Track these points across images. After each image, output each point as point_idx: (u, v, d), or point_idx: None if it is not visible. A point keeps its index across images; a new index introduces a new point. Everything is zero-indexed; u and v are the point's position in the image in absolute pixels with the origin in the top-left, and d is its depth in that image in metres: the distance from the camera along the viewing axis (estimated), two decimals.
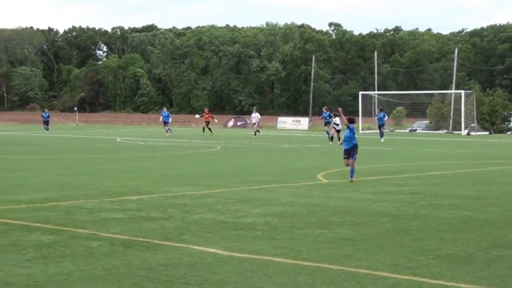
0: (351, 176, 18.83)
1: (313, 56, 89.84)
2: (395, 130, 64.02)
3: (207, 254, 9.42)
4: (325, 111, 45.16)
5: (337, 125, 38.39)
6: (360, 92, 66.47)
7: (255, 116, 48.89)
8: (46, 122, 54.51)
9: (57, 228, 11.33)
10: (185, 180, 19.23)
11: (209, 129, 49.71)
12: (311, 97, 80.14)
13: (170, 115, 50.76)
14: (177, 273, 8.32)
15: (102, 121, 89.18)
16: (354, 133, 19.03)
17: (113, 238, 10.48)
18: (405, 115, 73.49)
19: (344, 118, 19.44)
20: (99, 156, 28.92)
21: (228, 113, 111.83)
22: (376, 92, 70.38)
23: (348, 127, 18.95)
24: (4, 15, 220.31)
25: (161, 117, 50.13)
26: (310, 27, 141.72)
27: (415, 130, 64.14)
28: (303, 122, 69.56)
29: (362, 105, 63.07)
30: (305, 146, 38.23)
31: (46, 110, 57.65)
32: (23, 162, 25.99)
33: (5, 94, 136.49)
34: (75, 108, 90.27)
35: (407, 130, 64.32)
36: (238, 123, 72.28)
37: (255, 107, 54.11)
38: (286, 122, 70.45)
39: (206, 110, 53.81)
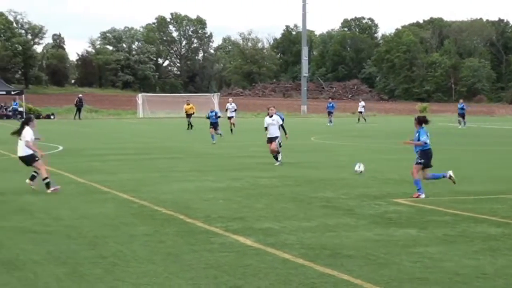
0: None
1: None
2: None
3: None
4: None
5: None
6: None
7: None
8: (329, 113, 51.42)
9: (504, 221, 11.18)
10: None
11: None
12: None
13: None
14: None
15: None
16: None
17: None
18: None
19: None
20: None
21: None
22: None
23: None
24: (457, 7, 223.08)
25: None
26: None
27: None
28: None
29: None
30: None
31: (330, 100, 56.42)
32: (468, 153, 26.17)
33: (452, 85, 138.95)
34: None
35: None
36: None
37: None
38: None
39: None
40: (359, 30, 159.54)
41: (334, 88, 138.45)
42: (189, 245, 9.52)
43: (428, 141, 13.80)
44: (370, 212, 12.27)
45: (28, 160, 14.93)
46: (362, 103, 56.79)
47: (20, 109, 67.26)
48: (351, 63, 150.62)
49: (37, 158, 14.89)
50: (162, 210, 12.38)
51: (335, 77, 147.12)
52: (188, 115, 43.44)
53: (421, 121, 14.02)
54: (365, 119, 54.49)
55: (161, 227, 10.82)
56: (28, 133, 14.81)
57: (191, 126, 42.11)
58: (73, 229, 10.57)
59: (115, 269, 8.19)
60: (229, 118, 39.47)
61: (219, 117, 31.21)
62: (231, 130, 37.70)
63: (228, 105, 41.29)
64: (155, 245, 9.54)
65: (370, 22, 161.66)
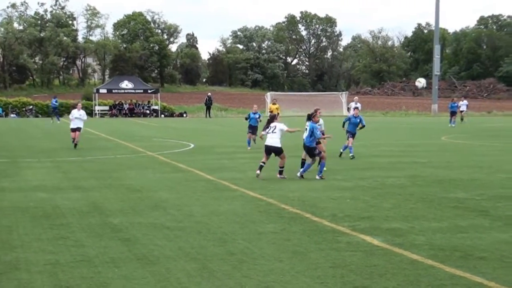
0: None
1: None
2: None
3: None
4: None
5: None
6: None
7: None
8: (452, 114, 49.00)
9: None
10: None
11: None
12: None
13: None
14: None
15: None
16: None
17: None
18: None
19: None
20: None
21: None
22: None
23: None
24: None
25: None
26: None
27: None
28: None
29: None
30: None
31: (455, 99, 52.93)
32: None
33: None
34: None
35: None
36: None
37: None
38: None
39: None
40: (496, 27, 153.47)
41: (468, 87, 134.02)
42: (316, 243, 9.51)
43: None
44: (507, 214, 11.78)
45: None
46: (465, 102, 54.73)
47: (156, 107, 69.86)
48: (487, 61, 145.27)
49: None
50: (289, 209, 12.44)
51: (469, 76, 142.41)
52: None
53: None
54: (462, 119, 52.53)
55: (288, 225, 10.88)
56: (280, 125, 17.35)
57: None
58: (203, 226, 10.83)
59: (243, 266, 8.31)
60: None
61: (260, 120, 26.90)
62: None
63: (352, 104, 37.79)
64: (282, 243, 9.60)
65: (509, 20, 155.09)
